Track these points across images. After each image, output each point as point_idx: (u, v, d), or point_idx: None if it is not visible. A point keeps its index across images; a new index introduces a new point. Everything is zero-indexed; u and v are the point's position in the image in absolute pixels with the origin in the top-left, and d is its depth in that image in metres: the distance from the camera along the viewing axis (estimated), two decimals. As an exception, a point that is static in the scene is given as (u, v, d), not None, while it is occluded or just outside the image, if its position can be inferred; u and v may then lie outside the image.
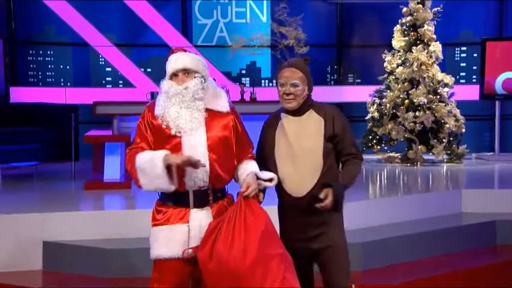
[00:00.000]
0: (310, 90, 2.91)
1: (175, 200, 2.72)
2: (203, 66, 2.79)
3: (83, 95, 8.59)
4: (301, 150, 2.81)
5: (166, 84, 2.73)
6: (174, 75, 2.74)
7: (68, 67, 9.10)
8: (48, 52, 9.04)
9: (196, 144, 2.67)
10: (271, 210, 2.78)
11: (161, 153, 2.62)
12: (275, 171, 2.82)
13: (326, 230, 2.84)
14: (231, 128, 2.78)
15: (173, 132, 2.67)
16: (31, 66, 9.01)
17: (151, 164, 2.61)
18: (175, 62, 2.75)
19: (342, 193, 2.80)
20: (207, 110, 2.73)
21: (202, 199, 2.71)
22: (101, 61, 9.08)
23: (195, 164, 2.61)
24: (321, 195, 2.74)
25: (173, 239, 2.68)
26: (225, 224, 2.61)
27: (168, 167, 2.59)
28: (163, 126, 2.69)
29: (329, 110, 2.91)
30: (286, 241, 2.78)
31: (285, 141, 2.85)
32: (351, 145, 2.90)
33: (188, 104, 2.68)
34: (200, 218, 2.69)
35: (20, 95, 8.46)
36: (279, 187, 2.85)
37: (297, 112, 2.88)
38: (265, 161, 2.88)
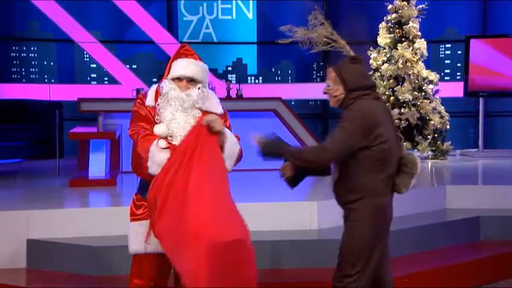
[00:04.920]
0: (349, 89, 2.84)
1: None
2: (207, 76, 2.77)
3: (67, 92, 8.51)
4: None
5: (167, 85, 2.67)
6: (178, 78, 2.70)
7: (52, 63, 9.02)
8: (32, 48, 8.95)
9: None
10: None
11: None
12: None
13: None
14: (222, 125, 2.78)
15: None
16: (14, 62, 8.91)
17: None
18: (184, 69, 2.69)
19: (270, 146, 2.80)
20: (201, 111, 2.73)
21: None
22: (86, 57, 9.01)
23: None
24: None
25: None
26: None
27: None
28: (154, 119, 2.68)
29: (348, 110, 2.86)
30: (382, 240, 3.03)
31: None
32: (328, 137, 2.90)
33: (185, 110, 2.65)
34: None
35: (3, 91, 8.36)
36: (388, 185, 3.13)
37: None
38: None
